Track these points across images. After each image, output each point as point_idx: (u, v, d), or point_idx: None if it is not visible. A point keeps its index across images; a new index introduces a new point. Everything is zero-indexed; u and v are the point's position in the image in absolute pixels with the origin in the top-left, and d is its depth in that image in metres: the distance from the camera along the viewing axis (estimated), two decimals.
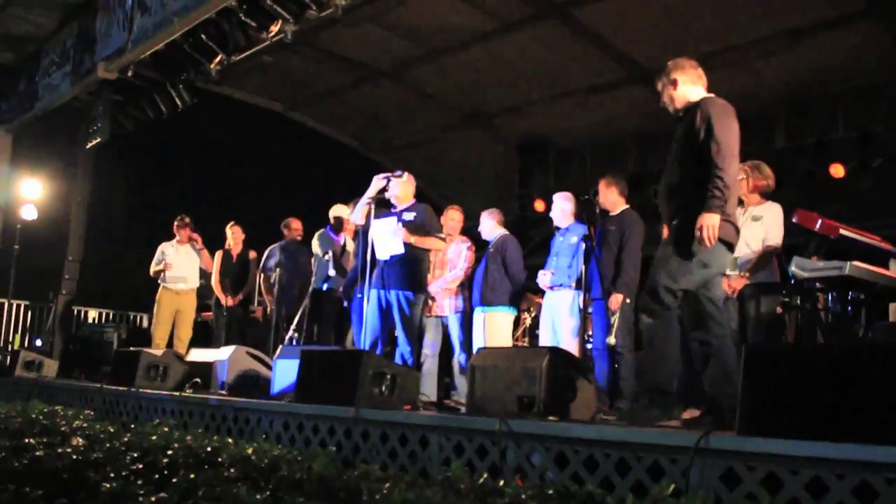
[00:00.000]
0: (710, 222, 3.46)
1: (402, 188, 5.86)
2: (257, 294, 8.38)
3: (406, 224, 5.70)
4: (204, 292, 8.54)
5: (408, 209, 5.85)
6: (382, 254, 5.68)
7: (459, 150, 10.80)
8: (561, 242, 6.00)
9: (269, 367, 5.45)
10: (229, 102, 10.02)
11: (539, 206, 10.10)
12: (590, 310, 5.58)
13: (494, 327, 6.24)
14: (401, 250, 5.63)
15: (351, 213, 6.33)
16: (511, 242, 6.42)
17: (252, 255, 8.36)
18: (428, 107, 10.04)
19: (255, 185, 11.49)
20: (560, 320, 5.83)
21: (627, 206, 5.71)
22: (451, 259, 6.57)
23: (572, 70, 8.65)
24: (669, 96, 3.77)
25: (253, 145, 11.25)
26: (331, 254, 6.75)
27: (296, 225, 8.07)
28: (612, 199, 5.72)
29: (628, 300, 5.46)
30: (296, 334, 6.54)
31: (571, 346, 5.59)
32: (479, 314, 6.35)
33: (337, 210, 7.42)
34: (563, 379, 3.75)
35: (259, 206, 10.66)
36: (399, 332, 5.57)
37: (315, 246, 7.51)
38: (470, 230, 6.79)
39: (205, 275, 8.44)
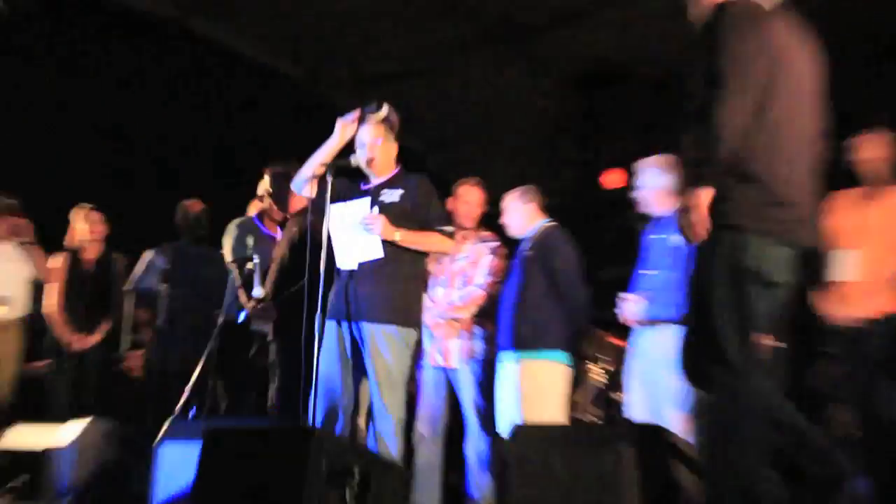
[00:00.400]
0: (697, 201, 3.78)
1: (381, 149, 5.92)
2: (131, 330, 8.40)
3: (387, 208, 5.78)
4: (36, 325, 8.48)
5: (389, 183, 5.93)
6: (346, 260, 5.79)
7: (478, 87, 10.82)
8: (657, 245, 6.07)
9: (148, 458, 5.42)
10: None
11: (612, 179, 10.32)
12: None
13: (537, 387, 6.31)
14: (378, 255, 5.71)
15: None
16: (560, 241, 6.57)
17: (120, 261, 8.47)
18: (425, 13, 10.03)
19: (129, 143, 11.19)
20: (659, 377, 5.84)
21: None
22: (463, 269, 6.76)
23: None
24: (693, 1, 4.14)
25: (129, 77, 11.12)
26: (257, 259, 6.69)
27: (194, 210, 8.11)
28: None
29: (772, 341, 5.38)
30: (195, 399, 6.53)
31: (679, 422, 5.61)
32: (509, 364, 6.41)
33: (263, 187, 7.52)
34: (663, 482, 3.88)
35: (133, 178, 10.55)
36: (374, 394, 5.64)
37: (227, 245, 7.50)
38: (496, 220, 6.92)
39: (39, 293, 8.48)
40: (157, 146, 11.06)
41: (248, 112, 11.21)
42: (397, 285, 5.76)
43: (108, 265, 8.49)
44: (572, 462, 3.93)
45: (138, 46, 10.73)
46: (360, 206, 5.83)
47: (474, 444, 6.45)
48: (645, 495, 3.79)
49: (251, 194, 7.73)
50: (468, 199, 6.85)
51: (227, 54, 11.07)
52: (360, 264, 5.77)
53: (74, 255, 8.45)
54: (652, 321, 5.95)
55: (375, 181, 5.96)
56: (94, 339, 8.24)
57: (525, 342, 6.32)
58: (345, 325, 5.75)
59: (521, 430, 4.36)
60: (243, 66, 11.22)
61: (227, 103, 11.19)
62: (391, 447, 5.54)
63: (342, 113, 6.03)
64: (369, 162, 5.89)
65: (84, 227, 8.46)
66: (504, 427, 6.10)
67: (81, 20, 10.13)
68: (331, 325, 5.77)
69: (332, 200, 5.85)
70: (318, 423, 5.52)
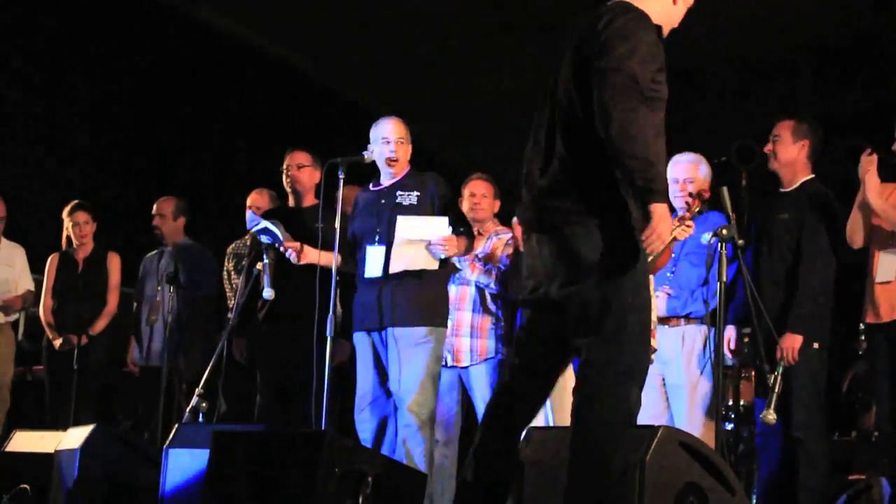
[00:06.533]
0: None
1: (404, 148, 6.04)
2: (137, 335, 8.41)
3: (406, 211, 5.93)
4: (35, 328, 8.65)
5: (403, 184, 6.05)
6: (375, 269, 5.90)
7: (499, 78, 10.80)
8: (682, 241, 5.98)
9: (155, 462, 5.47)
10: None
11: None
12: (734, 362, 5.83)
13: (557, 389, 6.14)
14: (433, 268, 5.87)
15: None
16: None
17: (113, 260, 8.53)
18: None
19: (120, 134, 11.19)
20: (681, 379, 5.96)
21: (812, 177, 5.93)
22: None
23: None
24: None
25: (117, 62, 11.03)
26: (267, 260, 6.59)
27: (166, 209, 8.28)
28: (792, 159, 5.91)
29: (816, 345, 5.64)
30: (203, 404, 6.57)
31: (700, 424, 5.73)
32: None
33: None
34: (682, 486, 3.86)
35: (127, 174, 10.82)
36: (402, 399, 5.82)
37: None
38: (509, 217, 6.85)
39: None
40: (154, 143, 11.09)
41: (248, 101, 11.30)
42: (430, 288, 5.94)
43: (101, 262, 8.48)
44: None
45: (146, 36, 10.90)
46: (437, 225, 5.85)
47: None
48: (660, 498, 3.77)
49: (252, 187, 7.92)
50: (481, 192, 6.82)
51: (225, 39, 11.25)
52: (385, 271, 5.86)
53: (65, 255, 8.48)
54: (672, 319, 6.01)
55: (388, 181, 6.07)
56: (90, 336, 8.17)
57: None
58: (375, 334, 5.94)
59: (534, 433, 4.34)
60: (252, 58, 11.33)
61: (220, 91, 11.24)
62: (416, 452, 5.76)
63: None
64: (392, 161, 6.01)
65: (73, 226, 8.44)
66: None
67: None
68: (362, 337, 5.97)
69: (355, 209, 6.08)
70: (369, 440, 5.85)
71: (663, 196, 3.70)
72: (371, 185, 6.13)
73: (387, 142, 5.97)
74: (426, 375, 5.85)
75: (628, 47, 3.72)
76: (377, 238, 5.92)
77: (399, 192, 5.99)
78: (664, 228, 3.67)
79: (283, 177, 6.86)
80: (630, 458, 3.78)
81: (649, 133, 3.69)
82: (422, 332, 5.84)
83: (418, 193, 5.98)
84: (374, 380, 5.94)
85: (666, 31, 4.05)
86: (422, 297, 5.89)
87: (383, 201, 5.99)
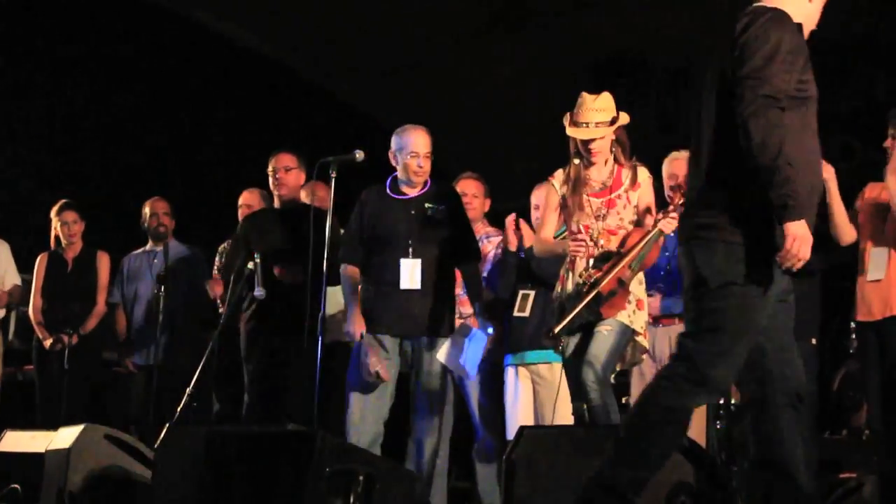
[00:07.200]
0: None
1: (429, 162, 6.08)
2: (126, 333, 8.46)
3: (436, 223, 6.05)
4: (25, 328, 8.64)
5: (429, 196, 6.14)
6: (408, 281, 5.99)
7: (487, 77, 10.81)
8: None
9: (147, 462, 5.54)
10: None
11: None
12: None
13: (548, 389, 6.30)
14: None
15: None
16: None
17: (102, 260, 8.54)
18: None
19: (109, 133, 11.18)
20: None
21: None
22: None
23: None
24: None
25: (105, 58, 11.05)
26: (258, 259, 6.64)
27: (166, 208, 8.29)
28: None
29: (813, 340, 5.84)
30: (194, 403, 6.53)
31: (691, 423, 5.62)
32: (517, 366, 6.49)
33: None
34: (673, 484, 3.93)
35: (116, 173, 10.80)
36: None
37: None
38: (498, 217, 6.88)
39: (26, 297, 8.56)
40: (141, 142, 11.08)
41: (240, 102, 11.31)
42: (454, 298, 6.22)
43: (90, 261, 8.49)
44: (580, 466, 3.88)
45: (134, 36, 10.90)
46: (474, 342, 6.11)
47: (479, 446, 6.53)
48: (651, 496, 3.76)
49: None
50: (472, 192, 6.82)
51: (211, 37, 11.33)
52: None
53: (54, 254, 8.47)
54: (666, 318, 6.07)
55: (413, 191, 6.12)
56: (85, 328, 8.21)
57: (535, 341, 6.26)
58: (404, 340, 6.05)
59: (526, 432, 4.38)
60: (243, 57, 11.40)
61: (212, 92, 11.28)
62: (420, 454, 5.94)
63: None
64: (419, 173, 6.05)
65: (62, 225, 8.43)
66: (510, 429, 6.25)
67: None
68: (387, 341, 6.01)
69: (363, 211, 6.11)
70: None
71: (799, 214, 3.66)
72: (389, 191, 6.15)
73: (415, 155, 5.98)
74: (448, 381, 6.08)
75: (766, 53, 3.70)
76: (410, 251, 5.96)
77: (428, 205, 6.07)
78: (799, 247, 3.65)
79: (270, 179, 6.88)
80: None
81: (792, 148, 3.66)
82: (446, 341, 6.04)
83: (445, 206, 6.09)
84: (385, 382, 5.95)
85: (806, 32, 4.00)
86: (451, 307, 6.15)
87: (413, 212, 6.03)
